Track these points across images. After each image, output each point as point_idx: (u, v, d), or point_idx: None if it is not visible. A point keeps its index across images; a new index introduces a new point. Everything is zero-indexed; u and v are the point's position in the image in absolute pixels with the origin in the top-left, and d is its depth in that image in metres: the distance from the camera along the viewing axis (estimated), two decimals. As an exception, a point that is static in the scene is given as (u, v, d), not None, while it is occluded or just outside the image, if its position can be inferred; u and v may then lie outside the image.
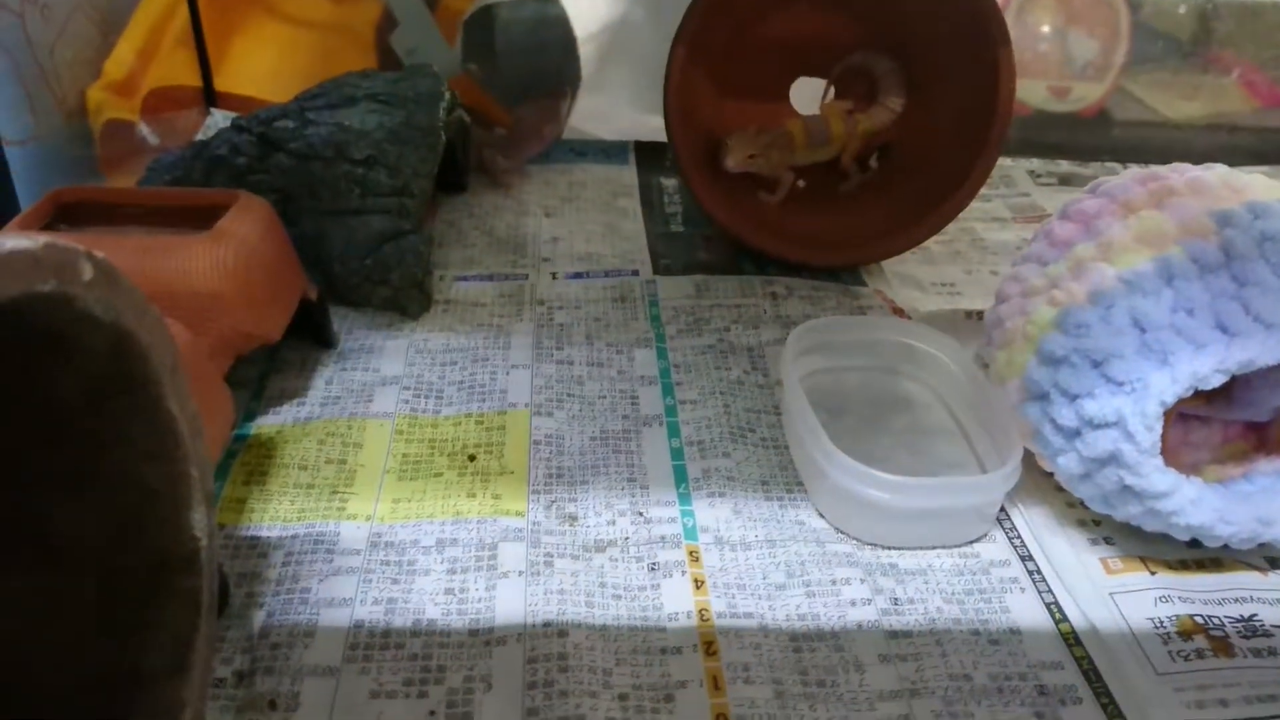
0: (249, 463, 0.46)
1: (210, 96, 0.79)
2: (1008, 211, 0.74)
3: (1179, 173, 0.45)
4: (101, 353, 0.28)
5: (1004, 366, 0.45)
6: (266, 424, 0.48)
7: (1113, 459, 0.40)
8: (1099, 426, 0.40)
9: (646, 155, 0.79)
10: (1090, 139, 0.88)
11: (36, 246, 0.23)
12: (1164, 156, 0.50)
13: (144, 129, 0.74)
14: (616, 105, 0.85)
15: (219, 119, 0.76)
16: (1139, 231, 0.42)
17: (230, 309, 0.44)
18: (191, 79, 0.79)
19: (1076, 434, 0.41)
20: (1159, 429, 0.39)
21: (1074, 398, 0.40)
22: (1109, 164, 0.83)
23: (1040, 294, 0.44)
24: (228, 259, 0.44)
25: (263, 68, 0.80)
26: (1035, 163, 0.82)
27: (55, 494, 0.31)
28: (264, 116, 0.58)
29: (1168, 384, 0.38)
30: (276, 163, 0.56)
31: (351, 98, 0.58)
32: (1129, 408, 0.39)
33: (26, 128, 0.67)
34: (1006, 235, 0.71)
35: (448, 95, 0.61)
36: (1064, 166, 0.82)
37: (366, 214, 0.56)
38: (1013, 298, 0.47)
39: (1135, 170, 0.46)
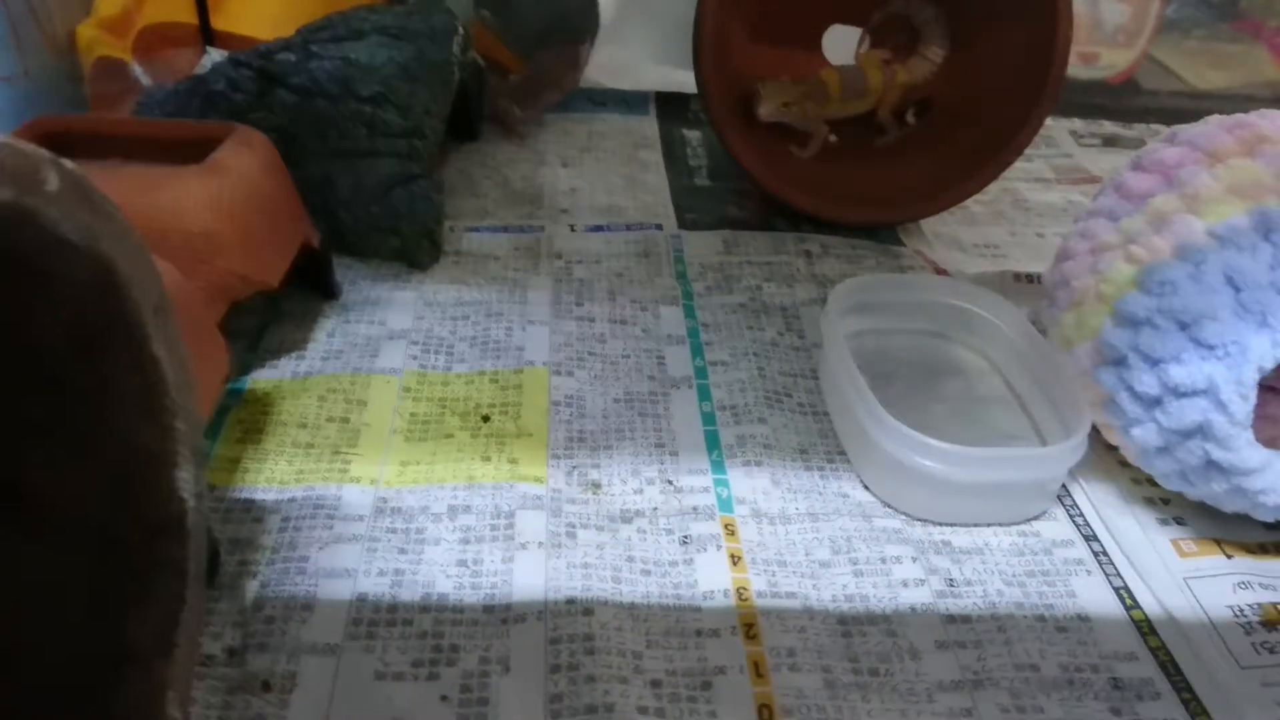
0: (244, 419, 0.42)
1: (208, 35, 0.74)
2: (1051, 172, 0.70)
3: (1269, 119, 0.41)
4: (83, 285, 0.24)
5: (1072, 329, 0.41)
6: (263, 378, 0.45)
7: (1199, 430, 0.36)
8: (1185, 395, 0.36)
9: (667, 107, 0.74)
10: (1117, 106, 0.84)
11: (-10, 146, 0.19)
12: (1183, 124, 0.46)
13: (137, 68, 0.70)
14: (634, 57, 0.80)
15: (216, 59, 0.71)
16: (1231, 182, 0.38)
17: (225, 249, 0.40)
18: (188, 17, 0.74)
19: (1157, 403, 0.37)
20: (1253, 398, 0.35)
21: (1157, 363, 0.37)
22: (1154, 125, 0.79)
23: (1114, 250, 0.40)
24: (223, 194, 0.40)
25: (264, 7, 0.75)
26: (1078, 123, 0.78)
27: (39, 448, 0.27)
28: (264, 50, 0.54)
29: (1268, 348, 0.34)
30: (278, 99, 0.52)
31: (359, 31, 0.54)
32: (1222, 374, 0.35)
33: (12, 64, 0.63)
34: (1051, 196, 0.67)
35: (462, 31, 0.57)
36: (1107, 127, 0.78)
37: (375, 156, 0.52)
38: (1080, 255, 0.43)
39: (1218, 118, 0.42)
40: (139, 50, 0.70)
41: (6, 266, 0.23)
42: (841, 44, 0.68)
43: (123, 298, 0.26)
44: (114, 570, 0.29)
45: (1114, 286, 0.39)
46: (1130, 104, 0.85)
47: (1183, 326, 0.36)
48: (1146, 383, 0.37)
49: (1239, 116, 0.42)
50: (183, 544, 0.29)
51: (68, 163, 0.22)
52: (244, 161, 0.42)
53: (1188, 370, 0.36)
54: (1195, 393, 0.35)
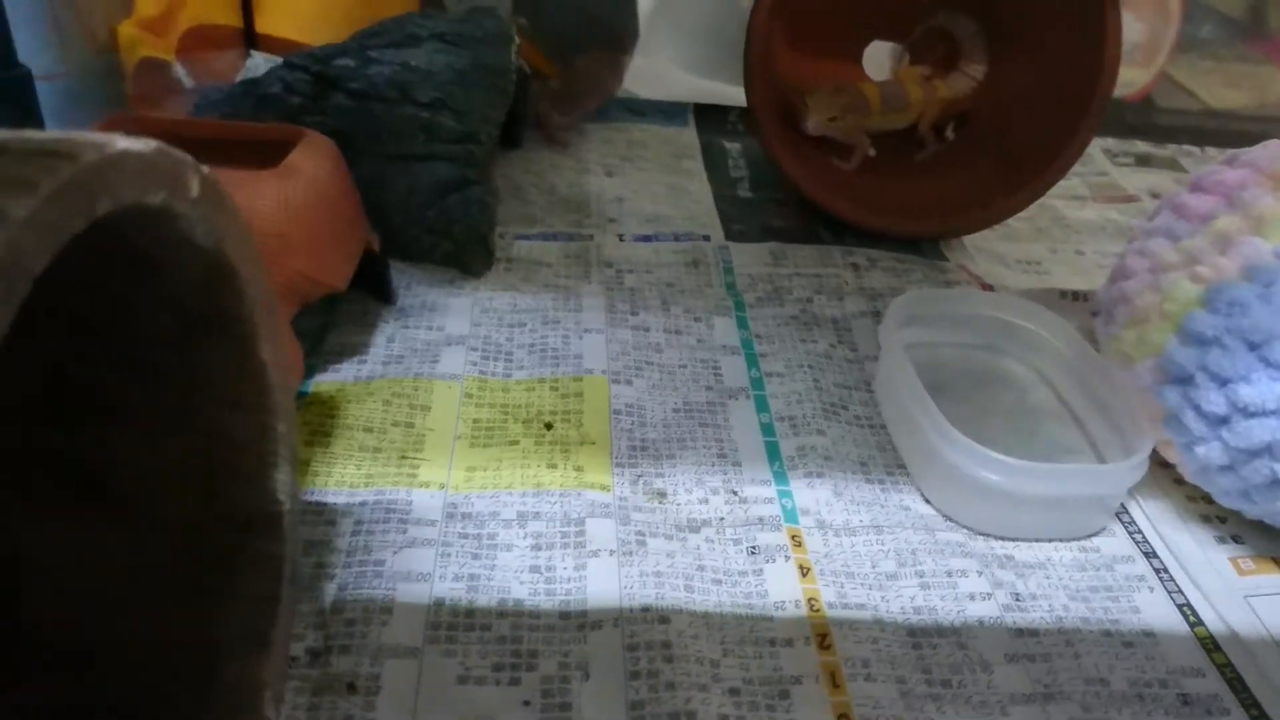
0: (310, 421, 0.42)
1: (250, 38, 0.74)
2: (1087, 190, 0.71)
3: (1331, 144, 0.41)
4: (196, 282, 0.25)
5: (1133, 346, 0.42)
6: (325, 381, 0.45)
7: (1267, 450, 0.36)
8: (1255, 415, 0.36)
9: (705, 118, 0.75)
10: (1134, 124, 0.84)
11: (150, 150, 0.20)
12: (1208, 145, 0.46)
13: (179, 69, 0.70)
14: (670, 68, 0.81)
15: (260, 61, 0.72)
16: (1297, 204, 0.38)
17: (297, 251, 0.40)
18: (231, 19, 0.74)
19: (1224, 421, 0.37)
20: (1322, 419, 0.36)
21: (1225, 382, 0.37)
22: (1186, 146, 0.79)
23: (1177, 269, 0.41)
24: (296, 197, 0.40)
25: (306, 10, 0.76)
26: (1110, 141, 0.78)
27: (132, 439, 0.28)
28: (321, 54, 0.54)
29: (1339, 369, 0.35)
30: (334, 103, 0.52)
31: (416, 36, 0.54)
32: (1292, 395, 0.35)
33: (55, 62, 0.63)
34: (1087, 214, 0.68)
35: (517, 39, 0.57)
36: (1140, 146, 0.78)
37: (430, 161, 0.52)
38: (1140, 273, 0.43)
39: (1279, 142, 0.43)
40: (182, 50, 0.70)
41: (137, 266, 0.23)
42: (882, 59, 0.69)
43: (240, 298, 0.26)
44: (205, 565, 0.29)
45: (1178, 305, 0.40)
46: (1148, 122, 0.86)
47: (1252, 346, 0.37)
48: (1214, 401, 0.37)
49: (1300, 140, 0.42)
50: (279, 543, 0.29)
51: (205, 168, 0.23)
52: (315, 165, 0.42)
53: (1257, 390, 0.36)
54: (1265, 413, 0.36)
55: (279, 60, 0.57)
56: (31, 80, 0.57)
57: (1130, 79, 0.91)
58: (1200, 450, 0.39)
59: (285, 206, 0.40)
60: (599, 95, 0.72)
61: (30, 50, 0.59)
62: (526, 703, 0.32)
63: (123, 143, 0.19)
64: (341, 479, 0.40)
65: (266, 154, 0.43)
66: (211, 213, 0.23)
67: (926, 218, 0.61)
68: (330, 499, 0.39)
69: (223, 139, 0.44)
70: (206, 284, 0.25)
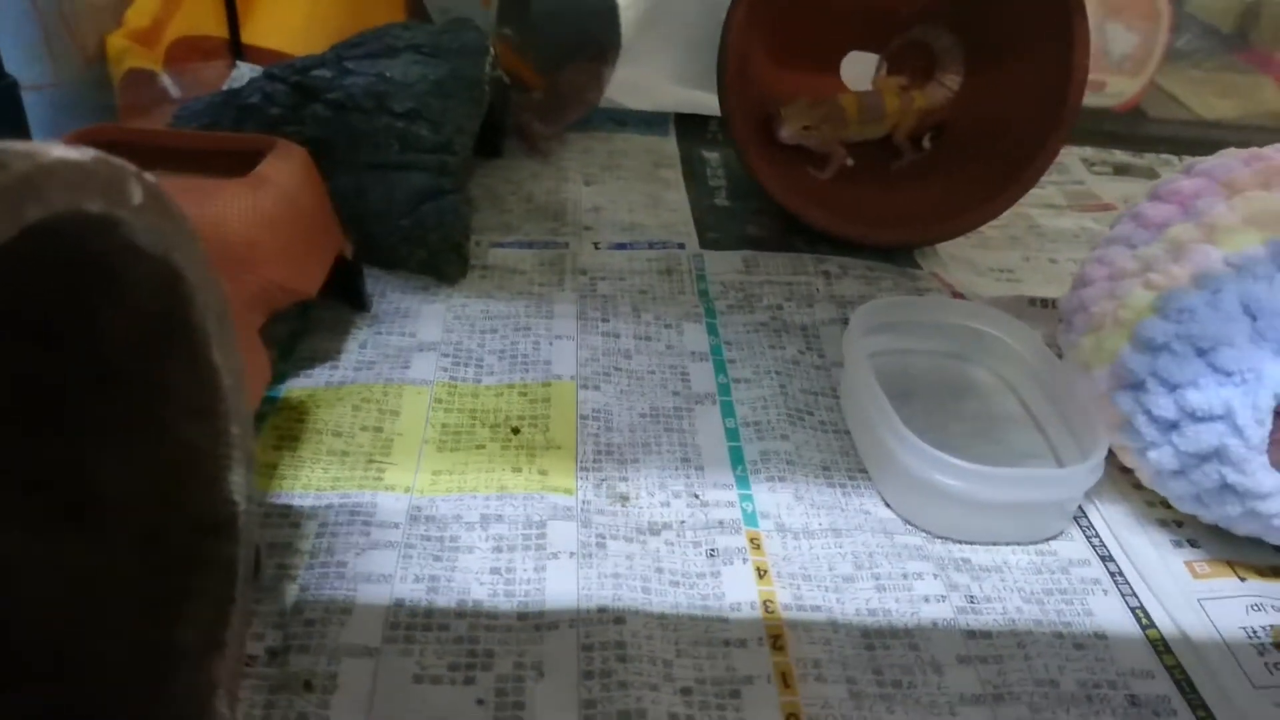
0: (279, 426, 0.43)
1: (237, 49, 0.75)
2: (1063, 199, 0.72)
3: (1284, 153, 0.42)
4: (150, 290, 0.25)
5: (1090, 353, 0.42)
6: (297, 386, 0.46)
7: (1215, 454, 0.37)
8: (1203, 419, 0.37)
9: (686, 127, 0.76)
10: (1125, 133, 0.85)
11: (87, 159, 0.20)
12: (1197, 154, 0.47)
13: (166, 79, 0.71)
14: (653, 78, 0.81)
15: (246, 72, 0.73)
16: (1248, 213, 0.39)
17: (267, 259, 0.41)
18: (218, 30, 0.75)
19: (1174, 426, 0.38)
20: (1269, 424, 0.36)
21: (1174, 387, 0.38)
22: (1164, 155, 0.80)
23: (1133, 277, 0.42)
24: (266, 205, 0.41)
25: (292, 21, 0.77)
26: (1089, 150, 0.79)
27: (97, 446, 0.28)
28: (299, 65, 0.55)
29: (1284, 375, 0.35)
30: (312, 113, 0.53)
31: (393, 48, 0.55)
32: (1239, 400, 0.36)
33: (44, 73, 0.64)
34: (1064, 223, 0.68)
35: (492, 50, 0.58)
36: (1118, 155, 0.79)
37: (406, 170, 0.53)
38: (1098, 281, 0.44)
39: (1234, 150, 0.44)
40: (170, 61, 0.71)
41: (93, 272, 0.24)
42: (859, 70, 0.70)
43: (189, 305, 0.27)
44: (165, 568, 0.30)
45: (1132, 312, 0.40)
46: (1137, 132, 0.86)
47: (1200, 352, 0.37)
48: (1164, 406, 0.38)
49: (1255, 150, 0.43)
50: (233, 544, 0.30)
51: (149, 176, 0.23)
52: (285, 174, 0.43)
53: (1205, 395, 0.37)
54: (1212, 417, 0.37)
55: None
56: (18, 90, 0.58)
57: (1120, 89, 0.92)
58: (1153, 455, 0.39)
59: (255, 214, 0.41)
60: (581, 106, 0.73)
61: (19, 61, 0.60)
62: (480, 701, 0.33)
63: (58, 151, 0.19)
64: (309, 482, 0.41)
65: (241, 163, 0.44)
66: (157, 220, 0.24)
67: (902, 227, 0.61)
68: (296, 502, 0.40)
69: (197, 149, 0.45)
70: (159, 291, 0.26)
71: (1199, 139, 0.87)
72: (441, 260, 0.54)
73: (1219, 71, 1.02)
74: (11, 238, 0.18)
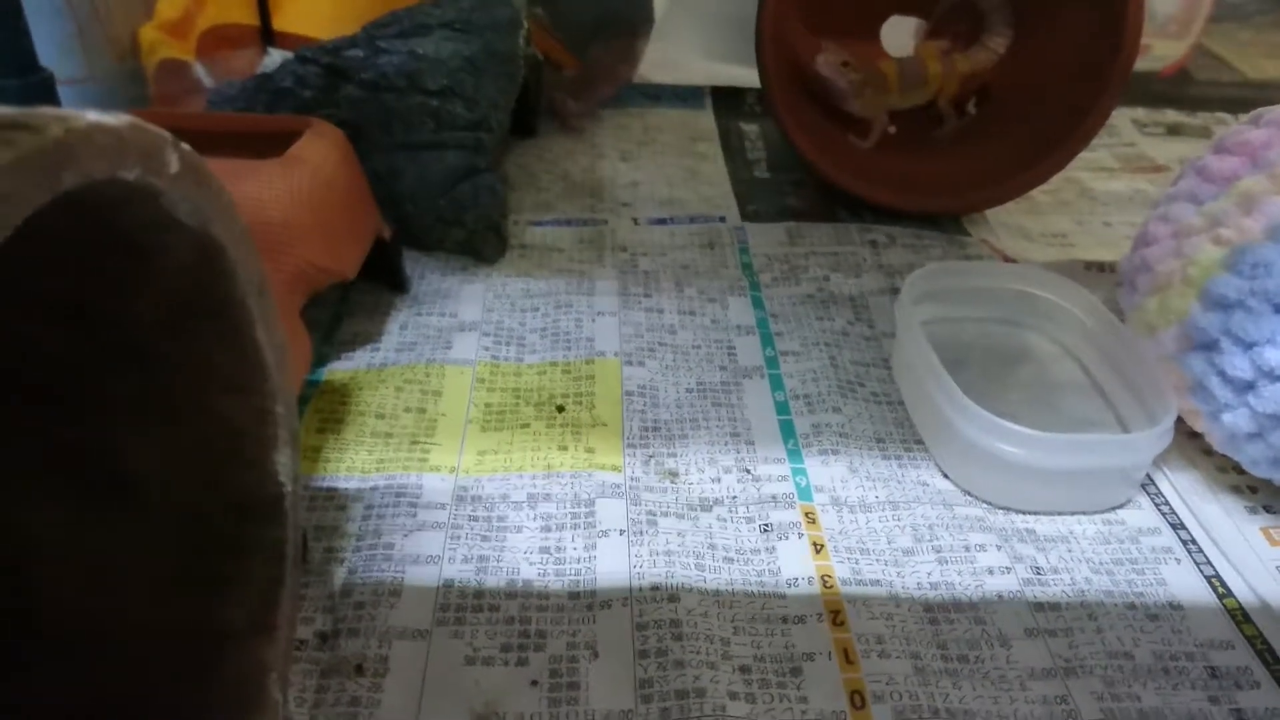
0: (322, 409, 0.43)
1: (268, 36, 0.75)
2: (1115, 161, 0.69)
3: (1359, 99, 0.40)
4: (186, 265, 0.25)
5: (1155, 314, 0.40)
6: (339, 369, 0.45)
7: (1295, 414, 0.35)
8: (1281, 378, 0.35)
9: (722, 101, 0.74)
10: (1171, 98, 0.82)
11: (122, 125, 0.20)
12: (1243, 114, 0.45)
13: (199, 69, 0.71)
14: (686, 53, 0.80)
15: (277, 59, 0.72)
16: (1323, 160, 0.37)
17: (304, 240, 0.40)
18: (249, 18, 0.75)
19: (1250, 387, 0.36)
20: (1353, 381, 0.34)
21: (1250, 345, 0.36)
22: (1218, 114, 0.77)
23: (1200, 233, 0.40)
24: (302, 185, 0.40)
25: (322, 7, 0.76)
26: (1140, 112, 0.76)
27: (131, 426, 0.28)
28: (331, 46, 0.55)
29: (1368, 329, 0.33)
30: (345, 95, 0.53)
31: (424, 25, 0.54)
32: (1320, 356, 0.34)
33: (78, 66, 0.64)
34: (1116, 185, 0.66)
35: (526, 25, 0.57)
36: (1170, 116, 0.76)
37: (441, 149, 0.52)
38: (1162, 239, 0.42)
39: (1304, 97, 0.41)
40: (200, 51, 0.71)
41: (125, 247, 0.24)
42: (900, 34, 0.68)
43: (230, 280, 0.26)
44: (209, 550, 0.30)
45: (1201, 269, 0.38)
46: (1184, 96, 0.83)
47: (1278, 309, 0.35)
48: (1239, 366, 0.36)
49: (1327, 96, 0.41)
50: (281, 526, 0.30)
51: (186, 145, 0.23)
52: (321, 154, 0.42)
53: (1283, 353, 0.35)
54: (1292, 375, 0.35)
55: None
56: (54, 84, 0.58)
57: (1164, 52, 0.89)
58: (1227, 418, 0.38)
59: (291, 194, 0.40)
60: (614, 83, 0.72)
61: (53, 56, 0.60)
62: (534, 682, 0.32)
63: (93, 116, 0.19)
64: (353, 465, 0.40)
65: (275, 145, 0.43)
66: (194, 191, 0.23)
67: (947, 194, 0.60)
68: (341, 485, 0.39)
69: (231, 131, 0.45)
70: (196, 266, 0.25)
71: (1249, 101, 0.84)
72: (479, 240, 0.53)
73: (1268, 30, 0.98)
74: (45, 212, 0.17)
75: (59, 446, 0.29)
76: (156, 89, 0.68)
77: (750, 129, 0.70)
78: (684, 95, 0.74)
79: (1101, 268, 0.54)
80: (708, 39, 0.80)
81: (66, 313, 0.27)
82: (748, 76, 0.74)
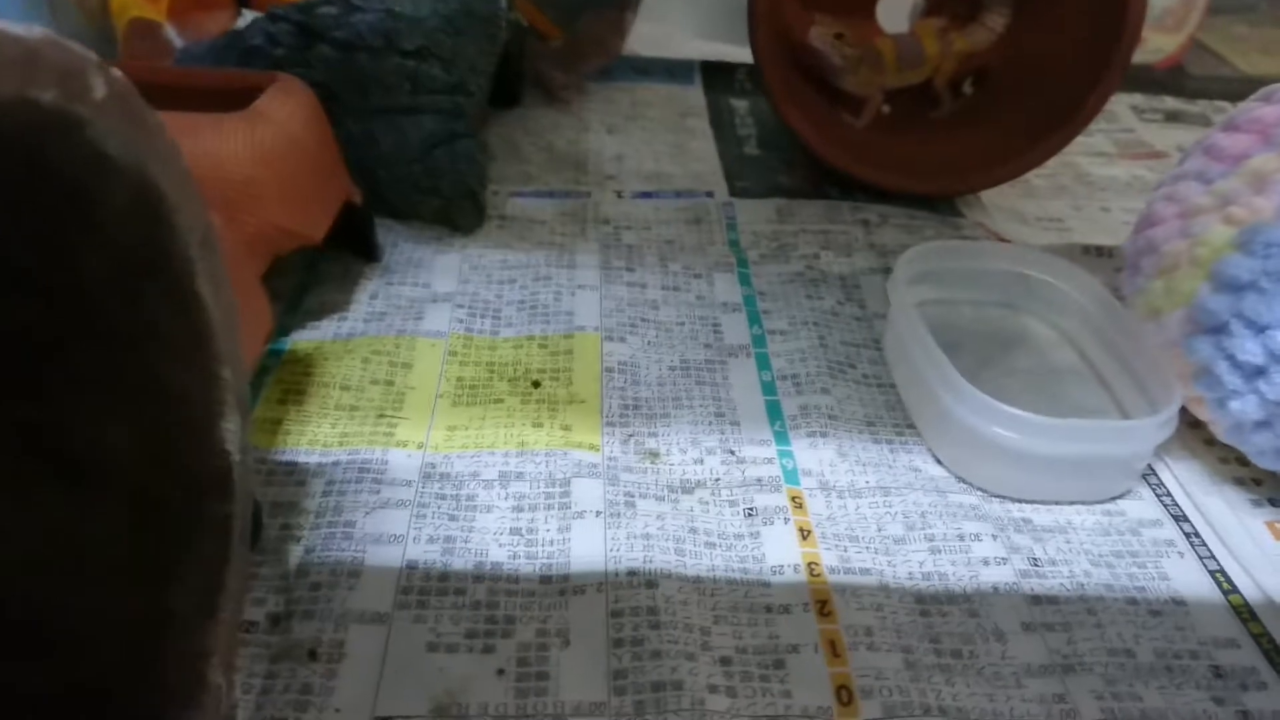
0: (284, 380, 0.40)
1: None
2: (1112, 147, 0.68)
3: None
4: (127, 211, 0.22)
5: (1161, 297, 0.39)
6: (304, 339, 0.43)
7: (1309, 402, 0.33)
8: (1295, 363, 0.33)
9: (712, 77, 0.72)
10: (1165, 92, 0.80)
11: (34, 37, 0.17)
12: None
13: (170, 30, 0.68)
14: (676, 27, 0.78)
15: (249, 20, 0.70)
16: (1341, 137, 0.35)
17: (267, 199, 0.38)
18: (222, -22, 0.72)
19: (1260, 372, 0.35)
20: (1370, 367, 0.33)
21: (1262, 329, 0.34)
22: (1218, 102, 0.76)
23: (1209, 213, 0.38)
24: (264, 141, 0.38)
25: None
26: (1138, 98, 0.75)
27: (79, 401, 0.25)
28: (304, 4, 0.52)
29: (1389, 312, 0.32)
30: (318, 54, 0.50)
31: (402, -17, 0.52)
32: (1337, 340, 0.32)
33: (46, 25, 0.61)
34: (1114, 171, 0.64)
35: (508, -15, 0.55)
36: (1169, 102, 0.75)
37: (417, 113, 0.50)
38: (1168, 219, 0.40)
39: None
40: (173, 12, 0.68)
41: (47, 185, 0.21)
42: (897, 11, 0.66)
43: (168, 227, 0.24)
44: (155, 528, 0.27)
45: (1211, 250, 0.37)
46: (1179, 89, 0.82)
47: (1292, 290, 0.34)
48: (1250, 350, 0.34)
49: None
50: (227, 500, 0.27)
51: (115, 70, 0.20)
52: (286, 110, 0.40)
53: (1298, 336, 0.33)
54: (1306, 361, 0.33)
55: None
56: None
57: (1159, 45, 0.87)
58: (1234, 405, 0.36)
59: (253, 150, 0.38)
60: (602, 55, 0.69)
61: (21, 14, 0.57)
62: (501, 671, 0.30)
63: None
64: (315, 438, 0.38)
65: (240, 102, 0.41)
66: (124, 125, 0.21)
67: (942, 175, 0.58)
68: (302, 459, 0.37)
69: (194, 87, 0.42)
70: (134, 213, 0.23)
71: (1244, 97, 0.82)
72: (456, 209, 0.50)
73: (1263, 26, 0.97)
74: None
75: (12, 428, 0.26)
76: (126, 50, 0.65)
77: (740, 105, 0.68)
78: (674, 70, 0.72)
79: (1099, 252, 0.52)
80: (698, 13, 0.78)
81: (16, 281, 0.24)
82: (739, 52, 0.72)
